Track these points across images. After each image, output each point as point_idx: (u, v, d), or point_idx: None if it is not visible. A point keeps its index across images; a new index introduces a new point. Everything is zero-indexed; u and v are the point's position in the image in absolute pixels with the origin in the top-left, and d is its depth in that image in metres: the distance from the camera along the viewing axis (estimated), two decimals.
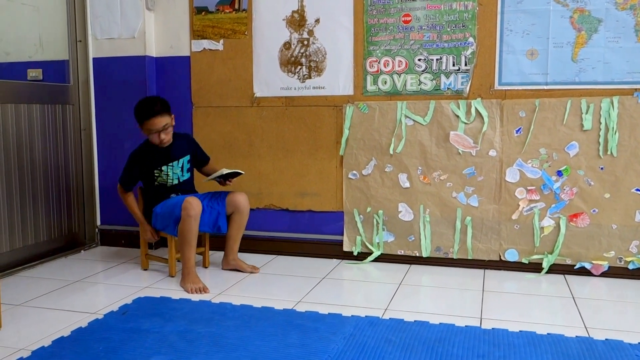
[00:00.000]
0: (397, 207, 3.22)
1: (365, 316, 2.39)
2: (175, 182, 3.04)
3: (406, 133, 3.17)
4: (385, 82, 3.20)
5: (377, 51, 3.20)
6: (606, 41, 2.89)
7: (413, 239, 3.21)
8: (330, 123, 3.30)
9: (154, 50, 3.56)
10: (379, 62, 3.20)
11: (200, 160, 3.19)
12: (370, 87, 3.23)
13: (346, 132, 3.25)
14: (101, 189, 3.68)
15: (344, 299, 2.71)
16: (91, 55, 3.61)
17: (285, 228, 3.44)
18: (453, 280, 2.97)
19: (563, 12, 2.92)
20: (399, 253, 3.24)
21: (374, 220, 3.26)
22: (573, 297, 2.68)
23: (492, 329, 2.26)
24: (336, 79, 3.28)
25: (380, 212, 3.24)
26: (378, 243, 3.27)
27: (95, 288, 2.86)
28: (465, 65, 3.08)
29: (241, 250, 3.47)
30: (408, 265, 3.21)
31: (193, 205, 2.79)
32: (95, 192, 3.68)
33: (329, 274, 3.07)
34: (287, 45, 3.34)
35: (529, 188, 3.03)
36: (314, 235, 3.39)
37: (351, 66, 3.25)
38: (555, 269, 3.03)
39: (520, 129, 3.02)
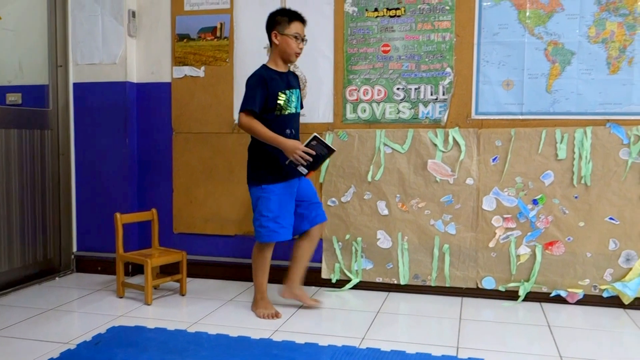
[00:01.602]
0: (376, 235, 3.23)
1: (342, 345, 2.38)
2: (293, 110, 2.80)
3: (385, 161, 3.20)
4: (365, 111, 3.24)
5: (357, 80, 3.24)
6: (579, 73, 2.96)
7: (391, 266, 3.22)
8: None
9: (135, 76, 3.57)
10: (358, 91, 3.24)
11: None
12: (349, 115, 3.26)
13: (327, 160, 3.26)
14: (78, 215, 3.64)
15: (321, 327, 2.69)
16: (71, 80, 3.60)
17: None
18: (431, 308, 2.97)
19: (537, 44, 2.99)
20: (378, 280, 3.24)
21: (353, 248, 3.26)
22: (549, 325, 2.69)
23: (469, 358, 2.26)
24: (316, 106, 3.31)
25: (359, 239, 3.25)
26: (356, 270, 3.26)
27: (69, 317, 2.81)
28: (443, 94, 3.13)
29: (217, 277, 3.47)
30: (386, 293, 3.21)
31: (270, 249, 2.85)
32: (72, 217, 3.64)
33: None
34: None
35: (505, 216, 3.06)
36: None
37: (331, 94, 3.28)
38: (531, 296, 3.05)
39: (496, 157, 3.06)
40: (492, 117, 3.08)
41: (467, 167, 3.10)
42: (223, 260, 3.48)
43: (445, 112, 3.13)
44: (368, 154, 3.22)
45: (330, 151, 2.68)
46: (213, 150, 3.46)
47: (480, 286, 3.12)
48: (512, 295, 3.08)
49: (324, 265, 3.31)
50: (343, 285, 3.28)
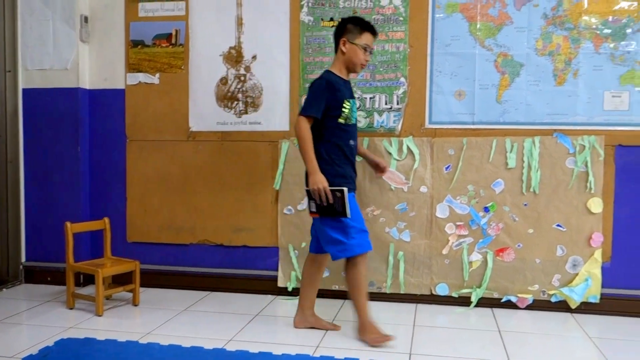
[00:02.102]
0: None
1: (296, 354, 2.38)
2: (354, 121, 2.68)
3: None
4: None
5: None
6: (527, 84, 3.05)
7: None
8: (266, 158, 3.31)
9: (87, 82, 3.50)
10: None
11: None
12: None
13: (281, 167, 3.27)
14: (27, 224, 3.53)
15: (276, 336, 2.68)
16: (21, 86, 3.50)
17: (219, 264, 3.40)
18: (385, 314, 2.99)
19: (488, 56, 3.07)
20: (334, 288, 3.25)
21: None
22: (499, 331, 2.75)
23: None
24: (272, 114, 3.31)
25: None
26: None
27: (16, 329, 2.73)
28: (397, 104, 3.18)
29: (172, 287, 3.43)
30: (342, 301, 3.22)
31: (365, 264, 2.61)
32: (21, 226, 3.53)
33: (263, 310, 3.05)
34: (223, 80, 3.35)
35: (457, 223, 3.12)
36: (249, 271, 3.37)
37: (287, 102, 3.29)
38: (483, 302, 3.11)
39: (449, 166, 3.12)
40: (445, 127, 3.14)
41: (421, 175, 3.15)
42: (178, 270, 3.44)
43: (400, 121, 3.17)
44: None
45: (343, 214, 2.49)
46: (168, 158, 3.42)
47: (434, 292, 3.16)
48: (464, 301, 3.13)
49: (280, 274, 3.30)
50: (299, 294, 3.27)
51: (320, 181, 2.47)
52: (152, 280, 3.42)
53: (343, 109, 2.59)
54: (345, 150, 2.61)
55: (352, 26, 2.62)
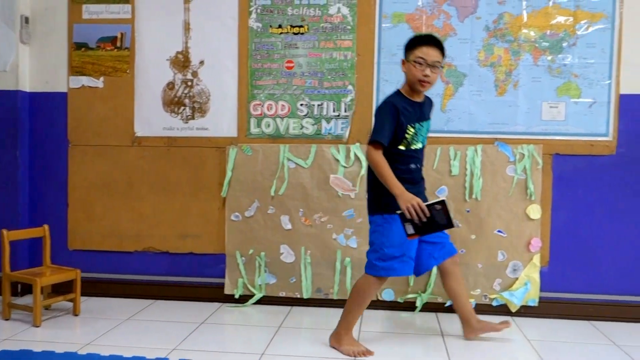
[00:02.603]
0: (279, 249, 3.24)
1: None
2: (420, 146, 2.55)
3: (288, 175, 3.22)
4: (269, 125, 3.26)
5: (261, 95, 3.25)
6: (470, 94, 3.14)
7: (294, 280, 3.23)
8: (213, 164, 3.28)
9: (27, 84, 3.38)
10: (262, 106, 3.25)
11: None
12: (253, 129, 3.26)
13: (229, 173, 3.25)
14: None
15: (221, 344, 2.65)
16: None
17: (164, 271, 3.34)
18: (332, 321, 2.97)
19: None
20: (281, 295, 3.25)
21: (256, 262, 3.25)
22: (442, 335, 2.81)
23: None
24: (220, 120, 3.28)
25: (263, 253, 3.24)
26: (260, 285, 3.25)
27: None
28: (345, 111, 3.21)
29: (115, 295, 3.35)
30: (289, 307, 3.22)
31: (381, 285, 2.55)
32: None
33: (209, 318, 3.01)
34: (170, 85, 3.31)
35: None
36: (195, 279, 3.32)
37: (235, 108, 3.27)
38: (428, 307, 3.17)
39: None
40: None
41: None
42: (121, 278, 3.36)
43: (347, 128, 3.21)
44: (272, 169, 3.23)
45: (449, 225, 2.37)
46: (112, 163, 3.34)
47: (380, 298, 3.20)
48: (410, 306, 3.18)
49: (226, 281, 3.27)
50: (246, 301, 3.25)
51: (412, 197, 2.32)
52: (95, 289, 3.33)
53: (406, 134, 2.48)
54: (405, 176, 2.47)
55: (409, 43, 2.50)
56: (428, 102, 2.62)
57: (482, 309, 3.14)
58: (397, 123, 2.45)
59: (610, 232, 3.10)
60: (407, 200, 2.31)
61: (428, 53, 2.43)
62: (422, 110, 2.55)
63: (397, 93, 2.55)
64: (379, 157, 2.41)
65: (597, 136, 3.07)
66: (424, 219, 2.31)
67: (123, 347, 2.53)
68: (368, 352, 2.51)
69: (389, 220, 2.46)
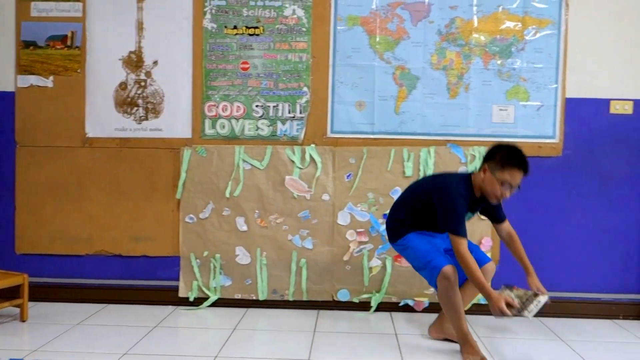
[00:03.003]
0: (235, 251, 3.22)
1: None
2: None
3: (244, 177, 3.21)
4: (224, 127, 3.24)
5: (216, 96, 3.23)
6: (423, 97, 3.19)
7: (250, 282, 3.22)
8: (168, 166, 3.24)
9: None
10: (217, 107, 3.23)
11: (493, 216, 2.75)
12: (208, 130, 3.24)
13: (183, 175, 3.22)
14: None
15: (174, 348, 2.62)
16: None
17: (117, 275, 3.28)
18: (288, 322, 3.01)
19: (386, 69, 3.19)
20: (236, 297, 3.23)
21: (211, 265, 3.22)
22: (396, 334, 2.85)
23: None
24: (174, 121, 3.25)
25: (218, 256, 3.22)
26: (215, 287, 3.23)
27: None
28: (300, 113, 3.22)
29: (66, 300, 3.27)
30: (245, 309, 3.20)
31: (448, 275, 2.44)
32: None
33: (162, 321, 2.97)
34: (123, 85, 3.25)
35: (358, 230, 3.20)
36: (149, 282, 3.27)
37: (189, 109, 3.24)
38: (382, 306, 3.21)
39: (350, 174, 3.20)
40: (346, 136, 3.21)
41: (323, 183, 3.20)
42: (72, 282, 3.28)
43: (303, 129, 3.22)
44: (227, 170, 3.22)
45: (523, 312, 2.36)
46: (62, 165, 3.26)
47: (335, 298, 3.22)
48: (365, 306, 3.21)
49: (181, 284, 3.24)
50: (201, 303, 3.22)
51: (497, 302, 2.33)
52: (44, 294, 3.23)
53: None
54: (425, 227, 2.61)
55: (500, 157, 2.46)
56: (482, 199, 2.59)
57: (435, 307, 3.18)
58: None
59: (558, 231, 3.21)
60: (494, 305, 2.34)
61: (517, 178, 2.45)
62: (476, 204, 2.59)
63: (467, 182, 2.55)
64: (470, 257, 2.41)
65: (544, 138, 3.17)
66: (514, 310, 2.34)
67: (72, 353, 2.47)
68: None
69: (406, 239, 2.60)
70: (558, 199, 3.18)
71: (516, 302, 2.32)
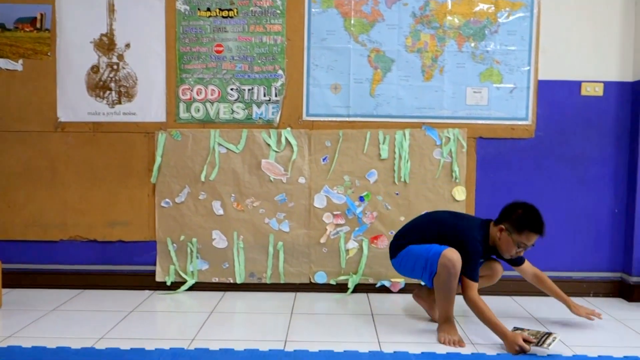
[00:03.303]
0: (211, 235, 3.22)
1: (170, 348, 2.34)
2: None
3: (219, 161, 3.20)
4: (199, 110, 3.21)
5: (190, 79, 3.20)
6: (398, 79, 3.20)
7: (227, 266, 3.23)
8: (142, 150, 3.21)
9: None
10: (192, 90, 3.21)
11: (513, 261, 2.76)
12: (183, 114, 3.21)
13: (158, 159, 3.19)
14: None
15: (151, 332, 2.62)
16: None
17: (93, 260, 3.26)
18: (265, 304, 3.03)
19: (362, 51, 3.19)
20: (214, 281, 3.24)
21: (188, 249, 3.22)
22: (372, 314, 2.88)
23: (294, 350, 2.35)
24: (148, 105, 3.21)
25: (194, 240, 3.22)
26: (192, 271, 3.23)
27: None
28: (276, 96, 3.21)
29: (41, 286, 3.25)
30: (222, 293, 3.21)
31: (453, 262, 2.46)
32: None
33: (139, 306, 2.96)
34: (95, 68, 3.20)
35: (335, 213, 3.22)
36: (125, 267, 3.26)
37: (163, 93, 3.21)
38: (359, 288, 3.24)
39: (326, 157, 3.21)
40: (321, 119, 3.21)
41: (299, 166, 3.21)
42: (46, 268, 3.25)
43: (278, 113, 3.21)
44: (202, 154, 3.20)
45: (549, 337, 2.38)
46: (33, 150, 3.21)
47: (313, 281, 3.24)
48: (342, 288, 3.24)
49: (158, 268, 3.23)
50: (178, 288, 3.22)
51: (515, 339, 2.37)
52: (17, 280, 3.21)
53: None
54: None
55: (518, 220, 2.50)
56: (494, 249, 2.64)
57: (411, 288, 3.22)
58: None
59: None
60: (510, 344, 2.37)
61: (532, 240, 2.51)
62: (488, 251, 2.64)
63: (484, 228, 2.60)
64: (480, 299, 2.48)
65: (517, 120, 3.21)
66: (531, 348, 2.35)
67: (47, 339, 2.46)
68: (461, 343, 2.47)
69: (408, 248, 2.64)
70: (530, 179, 3.24)
71: (532, 338, 2.36)
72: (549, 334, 2.40)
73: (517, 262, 2.75)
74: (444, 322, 2.56)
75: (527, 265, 2.77)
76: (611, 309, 3.02)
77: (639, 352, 2.39)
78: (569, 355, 2.35)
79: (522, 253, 2.59)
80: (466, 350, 2.40)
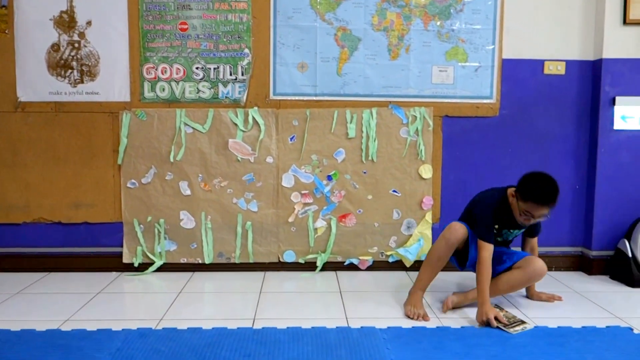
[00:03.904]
0: (179, 215, 3.20)
1: (137, 328, 2.34)
2: (499, 239, 2.68)
3: (186, 141, 3.17)
4: (164, 90, 3.17)
5: (154, 58, 3.15)
6: (365, 58, 3.21)
7: (195, 246, 3.22)
8: (106, 130, 3.16)
9: None
10: (156, 69, 3.15)
11: (532, 231, 2.78)
12: (147, 94, 3.17)
13: (124, 140, 3.15)
14: None
15: (118, 313, 2.61)
16: None
17: (58, 242, 3.21)
18: (234, 284, 3.04)
19: (328, 30, 3.17)
20: (182, 261, 3.23)
21: (155, 230, 3.20)
22: (340, 292, 2.92)
23: (262, 328, 2.37)
24: (111, 84, 3.15)
25: (162, 220, 3.19)
26: (160, 252, 3.21)
27: None
28: (242, 75, 3.18)
29: (3, 270, 3.21)
30: (191, 273, 3.21)
31: (452, 231, 2.52)
32: None
33: (106, 288, 2.94)
34: (55, 47, 3.12)
35: (303, 192, 3.23)
36: (91, 249, 3.22)
37: (127, 72, 3.15)
38: (328, 266, 3.27)
39: (294, 136, 3.21)
40: (289, 98, 3.20)
41: (267, 146, 3.20)
42: (9, 251, 3.19)
43: (245, 92, 3.19)
44: (168, 134, 3.17)
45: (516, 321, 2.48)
46: None
47: (281, 260, 3.26)
48: (311, 266, 3.27)
49: (125, 250, 3.20)
50: (146, 269, 3.20)
51: (489, 311, 2.41)
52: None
53: (495, 232, 2.59)
54: None
55: (524, 188, 2.49)
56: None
57: (379, 265, 3.29)
58: (497, 226, 2.59)
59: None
60: (482, 313, 2.43)
61: (538, 211, 2.48)
62: (507, 217, 2.59)
63: (500, 199, 2.58)
64: (488, 264, 2.48)
65: (482, 99, 3.25)
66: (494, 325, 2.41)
67: (11, 322, 2.43)
68: (425, 317, 2.51)
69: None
70: (495, 157, 3.29)
71: (504, 320, 2.42)
72: (523, 322, 2.47)
73: (531, 233, 2.78)
74: (414, 293, 2.62)
75: (534, 240, 2.81)
76: (571, 282, 3.12)
77: (596, 322, 2.47)
78: (530, 327, 2.42)
79: (531, 222, 2.54)
80: (431, 324, 2.45)
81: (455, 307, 2.64)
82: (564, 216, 3.34)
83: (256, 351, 2.13)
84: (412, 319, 2.51)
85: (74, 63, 3.13)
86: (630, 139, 3.20)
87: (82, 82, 3.14)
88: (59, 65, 3.13)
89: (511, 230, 2.68)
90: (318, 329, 2.35)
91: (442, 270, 2.65)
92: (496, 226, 2.60)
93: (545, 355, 2.12)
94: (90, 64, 3.13)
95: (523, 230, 2.72)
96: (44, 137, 3.15)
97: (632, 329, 2.39)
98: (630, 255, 3.06)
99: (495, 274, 2.63)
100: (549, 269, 3.28)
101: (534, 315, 2.55)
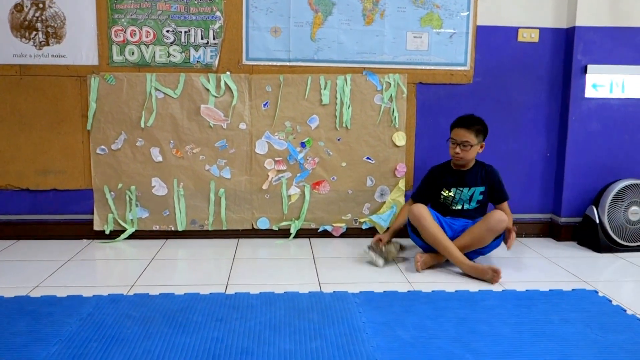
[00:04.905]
0: (151, 182, 3.16)
1: (109, 294, 2.32)
2: (459, 207, 2.87)
3: (157, 106, 3.11)
4: (133, 53, 3.09)
5: (123, 20, 3.06)
6: (339, 23, 3.16)
7: (168, 213, 3.19)
8: (74, 95, 3.08)
9: None
10: (125, 32, 3.07)
11: (495, 197, 2.91)
12: (116, 57, 3.08)
13: (93, 105, 3.07)
14: None
15: (89, 279, 2.58)
16: None
17: (26, 210, 3.15)
18: (207, 251, 3.03)
19: None
20: (155, 229, 3.20)
21: (127, 197, 3.15)
22: (314, 258, 2.93)
23: (235, 293, 2.37)
24: (78, 47, 3.06)
25: (133, 187, 3.15)
26: (132, 220, 3.17)
27: None
28: (214, 39, 3.11)
29: None
30: (164, 240, 3.19)
31: (413, 212, 2.77)
32: None
33: (76, 255, 2.90)
34: (18, 7, 3.01)
35: (276, 159, 3.21)
36: (61, 216, 3.17)
37: (95, 34, 3.06)
38: (301, 233, 3.28)
39: (267, 103, 3.17)
40: (262, 63, 3.15)
41: (240, 112, 3.16)
42: None
43: (217, 57, 3.12)
44: (139, 99, 3.10)
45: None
46: None
47: (255, 227, 3.25)
48: (284, 233, 3.27)
49: (95, 217, 3.15)
50: (117, 236, 3.17)
51: (376, 237, 2.92)
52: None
53: (441, 195, 2.89)
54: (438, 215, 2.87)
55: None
56: (479, 170, 2.89)
57: (352, 232, 3.30)
58: (434, 186, 2.92)
59: None
60: (377, 235, 2.94)
61: (458, 134, 2.79)
62: (464, 178, 2.87)
63: (449, 160, 2.93)
64: (405, 209, 2.97)
65: (456, 66, 3.25)
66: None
67: None
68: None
69: None
70: None
71: (380, 243, 2.84)
72: (394, 258, 2.86)
73: (495, 199, 2.91)
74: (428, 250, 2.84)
75: (503, 207, 2.90)
76: (541, 248, 3.18)
77: (563, 286, 2.53)
78: (498, 290, 2.47)
79: (458, 151, 2.78)
80: (402, 288, 2.48)
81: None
82: (534, 183, 3.39)
83: (228, 315, 2.13)
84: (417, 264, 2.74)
85: (39, 24, 3.02)
86: (600, 107, 3.24)
87: (47, 44, 3.04)
88: (22, 27, 3.02)
89: (460, 189, 2.85)
90: (291, 294, 2.36)
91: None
92: (446, 191, 2.87)
93: (512, 317, 2.16)
94: (55, 25, 3.03)
95: (480, 190, 2.84)
96: (8, 101, 3.06)
97: (597, 292, 2.46)
98: (597, 221, 3.13)
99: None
100: (519, 235, 3.37)
101: (503, 280, 2.60)
